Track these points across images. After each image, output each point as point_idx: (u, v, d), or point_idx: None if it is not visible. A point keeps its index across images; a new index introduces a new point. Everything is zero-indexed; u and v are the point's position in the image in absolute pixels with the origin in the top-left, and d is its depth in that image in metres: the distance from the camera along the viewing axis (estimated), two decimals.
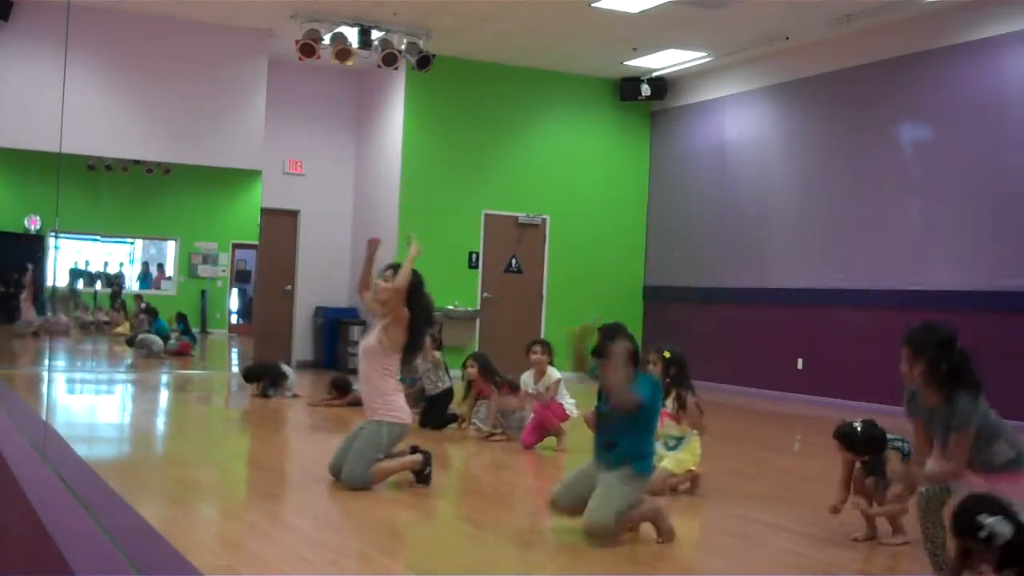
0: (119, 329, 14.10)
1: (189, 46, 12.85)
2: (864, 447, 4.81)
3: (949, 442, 4.11)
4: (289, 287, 14.72)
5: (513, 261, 14.34)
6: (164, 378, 12.49)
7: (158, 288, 14.39)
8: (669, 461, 5.89)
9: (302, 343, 14.51)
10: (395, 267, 5.99)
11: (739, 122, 13.62)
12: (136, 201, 14.02)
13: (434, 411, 8.45)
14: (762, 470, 7.29)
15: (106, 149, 12.86)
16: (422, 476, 5.71)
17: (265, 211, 13.73)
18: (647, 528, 4.71)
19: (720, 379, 13.43)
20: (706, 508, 5.68)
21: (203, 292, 14.39)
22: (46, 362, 13.15)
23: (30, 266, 13.30)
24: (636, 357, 4.75)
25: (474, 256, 14.09)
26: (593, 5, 11.18)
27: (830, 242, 12.15)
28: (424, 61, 12.45)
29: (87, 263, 14.38)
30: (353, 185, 15.04)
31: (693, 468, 5.97)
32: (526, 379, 7.87)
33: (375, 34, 12.29)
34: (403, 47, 12.45)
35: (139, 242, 14.73)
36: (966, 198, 10.67)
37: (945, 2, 10.64)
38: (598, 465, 4.74)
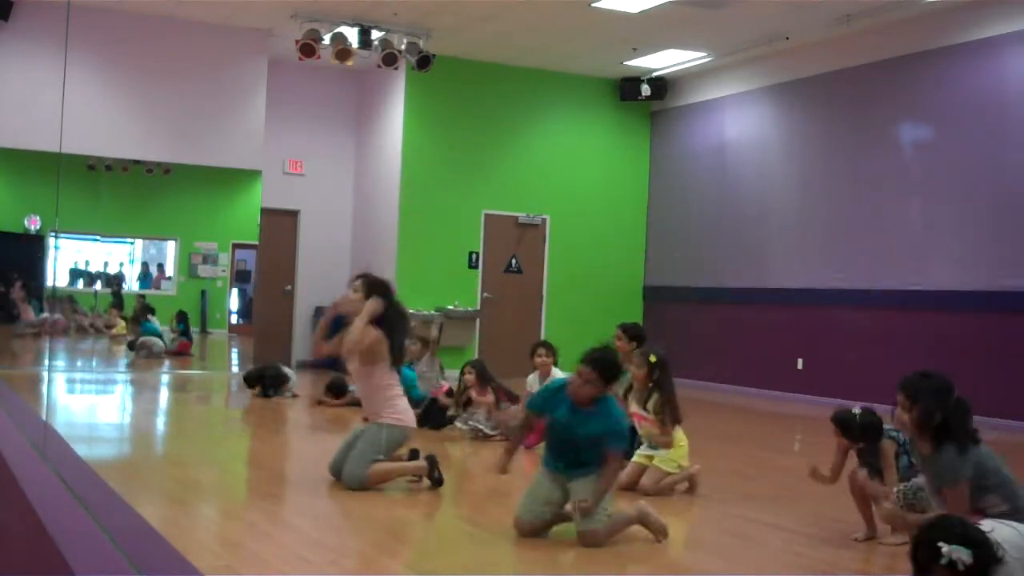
0: (116, 331, 14.10)
1: (189, 46, 12.85)
2: (860, 434, 4.83)
3: (945, 499, 4.14)
4: (289, 287, 14.72)
5: (513, 261, 14.34)
6: (164, 378, 12.49)
7: (158, 288, 14.39)
8: (659, 460, 5.91)
9: (302, 343, 14.51)
10: (365, 276, 5.91)
11: (739, 122, 13.62)
12: (136, 201, 14.02)
13: (434, 411, 8.45)
14: (762, 470, 7.29)
15: (106, 149, 12.87)
16: (433, 479, 5.70)
17: (265, 211, 13.74)
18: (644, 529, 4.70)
19: (720, 379, 13.44)
20: (706, 508, 5.68)
21: (203, 292, 14.39)
22: (46, 362, 13.15)
23: (16, 277, 13.27)
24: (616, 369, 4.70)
25: (474, 256, 14.09)
26: (593, 5, 11.18)
27: (830, 242, 12.15)
28: (424, 61, 12.45)
29: (87, 263, 14.38)
30: (353, 185, 15.05)
31: (684, 463, 5.98)
32: (531, 380, 7.89)
33: (375, 34, 12.29)
34: (403, 47, 12.45)
35: (139, 242, 14.73)
36: (966, 198, 10.67)
37: (945, 2, 10.64)
38: (560, 475, 4.67)
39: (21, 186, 13.42)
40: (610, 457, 4.56)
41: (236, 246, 14.48)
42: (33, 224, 13.33)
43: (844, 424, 4.87)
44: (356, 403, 8.69)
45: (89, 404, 10.06)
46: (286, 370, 10.53)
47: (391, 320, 5.76)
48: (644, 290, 14.92)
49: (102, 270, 14.46)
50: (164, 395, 11.26)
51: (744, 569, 4.45)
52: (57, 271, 14.04)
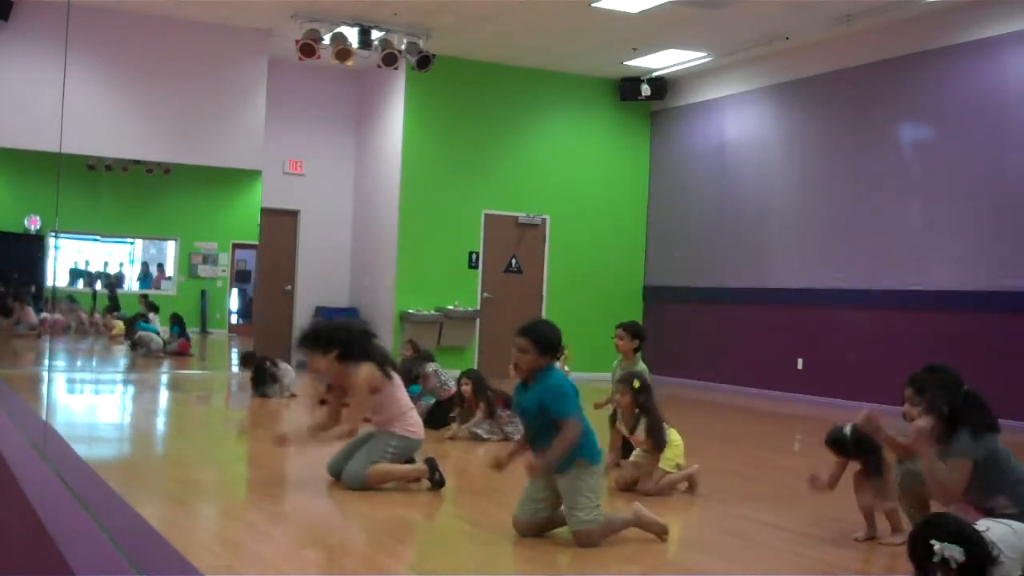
0: (115, 331, 14.10)
1: (189, 46, 12.85)
2: (855, 450, 4.84)
3: (948, 466, 4.12)
4: (289, 287, 14.72)
5: (513, 261, 14.34)
6: (164, 378, 12.48)
7: (158, 288, 14.40)
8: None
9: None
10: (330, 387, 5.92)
11: (739, 122, 13.62)
12: (136, 201, 14.03)
13: (438, 411, 8.45)
14: (762, 470, 7.29)
15: (106, 149, 12.87)
16: (434, 481, 5.70)
17: (265, 211, 13.74)
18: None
19: (720, 379, 13.45)
20: (706, 508, 5.68)
21: (203, 292, 14.39)
22: (46, 362, 13.15)
23: (15, 278, 13.29)
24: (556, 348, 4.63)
25: (474, 256, 14.09)
26: (593, 5, 11.18)
27: (830, 242, 12.15)
28: (424, 61, 12.45)
29: (87, 263, 14.38)
30: (353, 185, 15.05)
31: (682, 462, 5.99)
32: None
33: (375, 34, 12.30)
34: (403, 47, 12.45)
35: (139, 242, 14.73)
36: (966, 198, 10.67)
37: (945, 2, 10.64)
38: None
39: (21, 186, 13.43)
40: (561, 423, 4.51)
41: (236, 246, 14.49)
42: (33, 224, 13.34)
43: (838, 445, 4.89)
44: None
45: (89, 404, 10.06)
46: (284, 366, 10.42)
47: (358, 351, 5.75)
48: (644, 290, 14.92)
49: (102, 270, 14.47)
50: (164, 395, 11.26)
51: (744, 569, 4.45)
52: (57, 271, 14.04)
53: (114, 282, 14.50)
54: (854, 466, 4.92)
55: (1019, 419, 9.49)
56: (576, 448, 4.52)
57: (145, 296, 14.11)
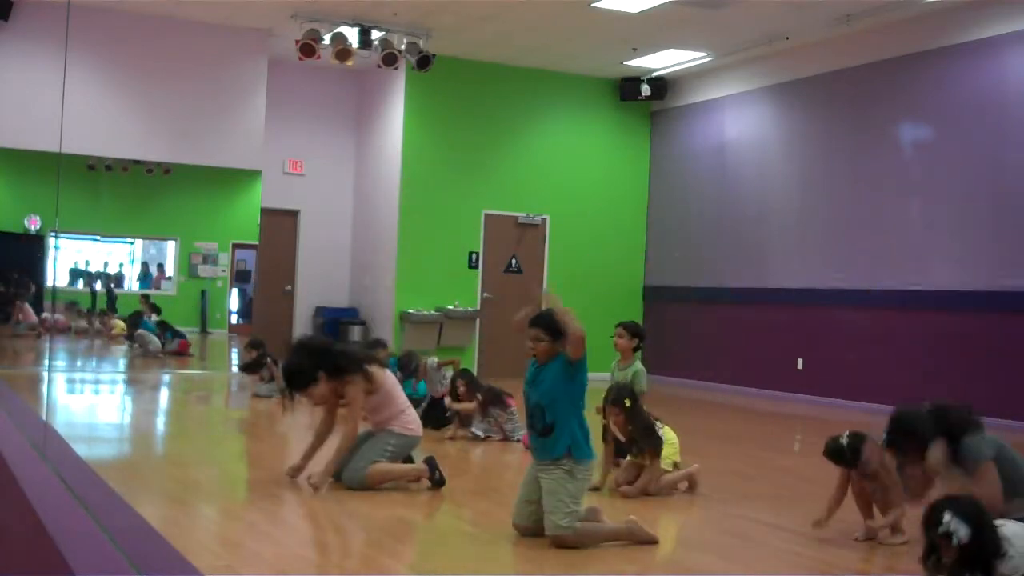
0: (115, 331, 14.10)
1: (189, 46, 12.85)
2: (853, 459, 4.83)
3: (975, 481, 4.07)
4: (289, 287, 14.73)
5: (513, 261, 14.34)
6: (164, 378, 12.48)
7: (158, 288, 14.40)
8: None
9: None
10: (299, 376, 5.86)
11: (739, 122, 13.62)
12: (136, 201, 14.04)
13: (435, 411, 8.45)
14: (762, 470, 7.29)
15: (106, 149, 12.88)
16: (434, 481, 5.71)
17: (265, 211, 13.74)
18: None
19: (720, 379, 13.45)
20: (706, 508, 5.68)
21: (203, 292, 14.39)
22: (46, 362, 13.15)
23: (15, 278, 13.29)
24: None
25: (474, 256, 14.09)
26: (593, 5, 11.17)
27: (830, 242, 12.15)
28: (424, 61, 12.45)
29: (87, 263, 14.38)
30: (353, 185, 15.05)
31: (677, 459, 5.98)
32: None
33: (375, 34, 12.30)
34: (403, 47, 12.45)
35: (139, 242, 14.74)
36: (966, 198, 10.67)
37: (945, 2, 10.64)
38: (537, 465, 4.68)
39: (21, 186, 13.43)
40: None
41: (236, 246, 14.49)
42: (33, 224, 13.34)
43: (836, 455, 4.88)
44: None
45: (89, 404, 10.06)
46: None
47: (343, 362, 5.75)
48: (644, 290, 14.92)
49: (102, 270, 14.47)
50: (164, 395, 11.25)
51: (744, 569, 4.45)
52: (57, 271, 14.04)
53: (114, 282, 14.50)
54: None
55: (1019, 419, 9.49)
56: (570, 442, 4.57)
57: (147, 297, 14.11)
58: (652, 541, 4.61)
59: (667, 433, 6.03)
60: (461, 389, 8.05)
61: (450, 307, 13.73)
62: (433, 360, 8.87)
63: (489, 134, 14.16)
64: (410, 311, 13.55)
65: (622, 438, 5.98)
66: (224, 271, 14.51)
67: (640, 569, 4.39)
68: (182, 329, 13.82)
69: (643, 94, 14.22)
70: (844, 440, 4.86)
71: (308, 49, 11.94)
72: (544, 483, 4.55)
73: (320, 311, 14.60)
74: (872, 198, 11.69)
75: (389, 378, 5.93)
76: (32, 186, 13.31)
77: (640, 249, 14.97)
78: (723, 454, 7.64)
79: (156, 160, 13.32)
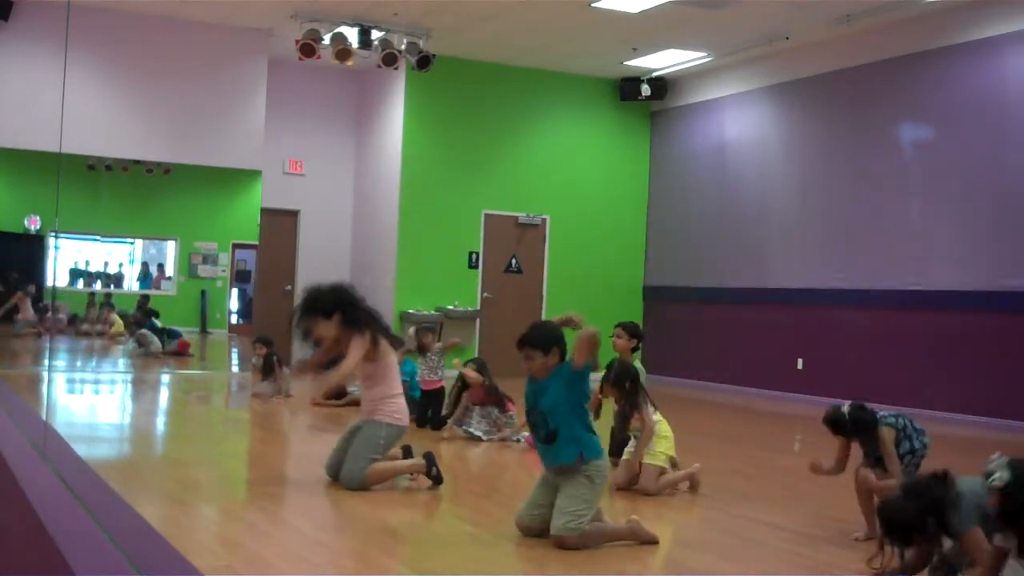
0: (114, 329, 14.10)
1: (189, 46, 12.85)
2: (852, 429, 4.84)
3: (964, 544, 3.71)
4: (289, 287, 14.72)
5: (513, 261, 14.34)
6: (164, 378, 12.48)
7: (158, 288, 14.40)
8: (648, 456, 5.90)
9: (302, 343, 14.49)
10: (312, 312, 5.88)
11: (739, 122, 13.62)
12: (136, 201, 14.04)
13: (433, 411, 8.45)
14: (762, 470, 7.29)
15: (106, 149, 12.87)
16: (432, 477, 5.71)
17: (265, 211, 13.74)
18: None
19: (720, 379, 13.45)
20: (706, 508, 5.68)
21: (203, 292, 14.39)
22: (46, 362, 13.15)
23: (15, 278, 13.29)
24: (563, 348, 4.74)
25: (474, 256, 14.09)
26: (593, 5, 11.18)
27: (830, 242, 12.15)
28: (424, 61, 12.45)
29: (87, 263, 14.38)
30: (353, 185, 15.05)
31: (672, 454, 5.99)
32: None
33: (375, 34, 12.30)
34: (403, 47, 12.45)
35: (139, 242, 14.74)
36: (966, 198, 10.67)
37: (945, 2, 10.64)
38: (549, 471, 4.68)
39: (21, 186, 13.44)
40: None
41: (236, 246, 14.50)
42: (33, 224, 13.34)
43: (835, 423, 4.89)
44: (355, 403, 8.69)
45: (89, 404, 10.06)
46: (285, 370, 10.49)
47: (360, 319, 5.75)
48: (644, 290, 14.92)
49: (102, 270, 14.47)
50: (164, 395, 11.26)
51: (744, 569, 4.45)
52: (57, 271, 14.04)
53: (113, 282, 14.50)
54: (856, 456, 4.92)
55: (1019, 419, 9.50)
56: (578, 443, 4.58)
57: (146, 298, 14.11)
58: (653, 541, 4.62)
59: (663, 427, 6.04)
60: (472, 375, 8.04)
61: (450, 307, 13.74)
62: (439, 345, 8.87)
63: (489, 134, 14.16)
64: (410, 311, 13.55)
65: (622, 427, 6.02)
66: (224, 271, 14.51)
67: (640, 569, 4.39)
68: (182, 329, 13.84)
69: (643, 94, 14.22)
70: (845, 408, 4.86)
71: (308, 49, 11.94)
72: (564, 488, 4.56)
73: None
74: (872, 198, 11.69)
75: (393, 359, 5.93)
76: (32, 186, 13.31)
77: (640, 249, 14.97)
78: (723, 454, 7.64)
79: (156, 160, 13.32)
